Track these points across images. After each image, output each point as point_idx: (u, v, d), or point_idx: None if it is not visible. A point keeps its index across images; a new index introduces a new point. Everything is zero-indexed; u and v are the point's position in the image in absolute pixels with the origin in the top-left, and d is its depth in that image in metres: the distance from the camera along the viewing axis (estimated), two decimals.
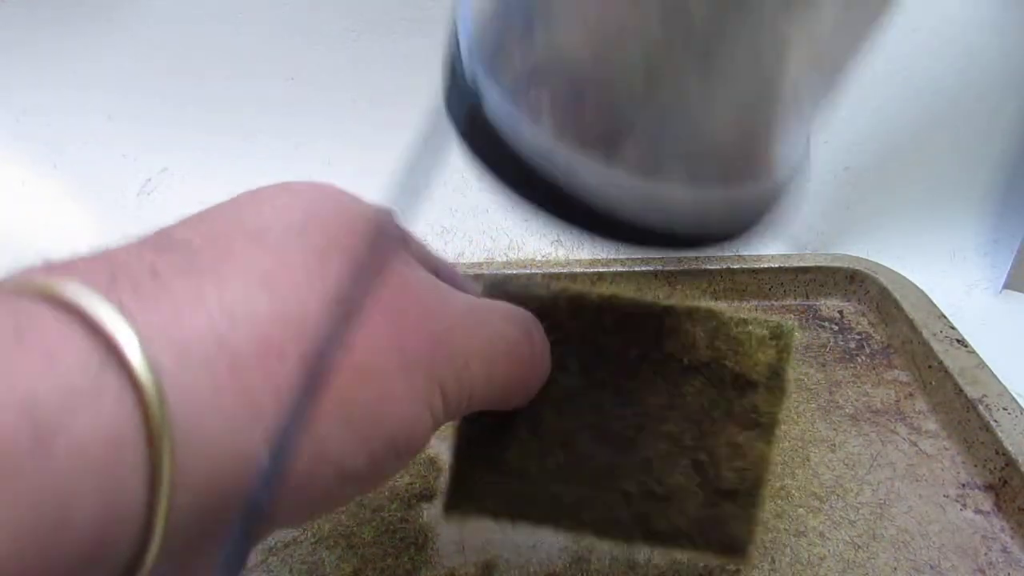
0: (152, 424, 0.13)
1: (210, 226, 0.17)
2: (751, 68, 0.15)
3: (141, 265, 0.15)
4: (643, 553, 0.29)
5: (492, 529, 0.25)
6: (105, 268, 0.15)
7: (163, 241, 0.16)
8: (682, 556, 0.29)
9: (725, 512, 0.24)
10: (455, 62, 0.18)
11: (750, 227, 0.19)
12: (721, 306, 0.25)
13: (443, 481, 0.32)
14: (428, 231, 0.53)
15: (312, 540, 0.30)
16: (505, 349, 0.20)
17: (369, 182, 0.20)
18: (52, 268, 0.15)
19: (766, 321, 0.24)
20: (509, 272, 0.25)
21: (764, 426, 0.24)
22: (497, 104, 0.17)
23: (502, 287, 0.24)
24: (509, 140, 0.17)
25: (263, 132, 0.53)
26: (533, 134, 0.16)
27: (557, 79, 0.16)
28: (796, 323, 0.24)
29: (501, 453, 0.24)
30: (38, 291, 0.14)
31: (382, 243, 0.18)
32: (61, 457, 0.12)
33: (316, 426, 0.15)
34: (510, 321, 0.21)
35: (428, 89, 0.19)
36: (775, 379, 0.24)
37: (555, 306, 0.24)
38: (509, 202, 0.18)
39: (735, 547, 0.24)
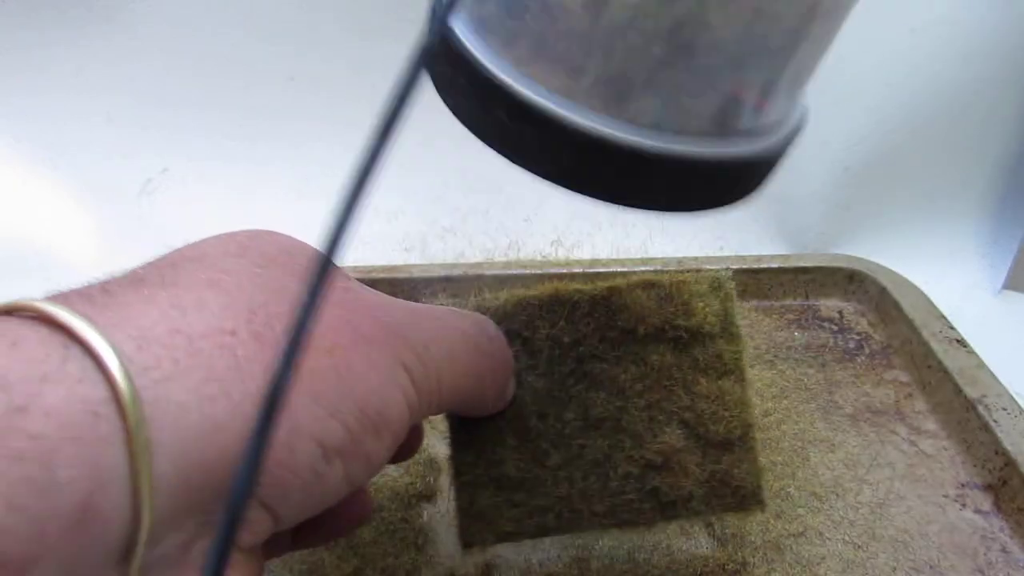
0: (121, 397, 0.14)
1: (154, 263, 0.19)
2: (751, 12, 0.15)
3: (91, 288, 0.17)
4: (642, 552, 0.29)
5: None
6: (58, 296, 0.16)
7: (109, 277, 0.18)
8: (683, 552, 0.29)
9: (726, 465, 0.24)
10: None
11: (743, 189, 0.19)
12: (657, 272, 0.26)
13: (444, 481, 0.32)
14: (428, 231, 0.53)
15: None
16: (461, 336, 0.21)
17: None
18: (6, 303, 0.16)
19: (703, 276, 0.25)
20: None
21: (733, 371, 0.25)
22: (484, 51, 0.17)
23: None
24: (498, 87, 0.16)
25: (263, 132, 0.54)
26: (519, 78, 0.16)
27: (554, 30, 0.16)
28: (730, 272, 0.26)
29: (499, 469, 0.24)
30: None
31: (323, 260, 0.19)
32: (38, 421, 0.13)
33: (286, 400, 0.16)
34: (461, 316, 0.23)
35: (429, 90, 0.19)
36: (728, 326, 0.25)
37: (506, 314, 0.25)
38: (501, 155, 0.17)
39: (748, 496, 0.25)
